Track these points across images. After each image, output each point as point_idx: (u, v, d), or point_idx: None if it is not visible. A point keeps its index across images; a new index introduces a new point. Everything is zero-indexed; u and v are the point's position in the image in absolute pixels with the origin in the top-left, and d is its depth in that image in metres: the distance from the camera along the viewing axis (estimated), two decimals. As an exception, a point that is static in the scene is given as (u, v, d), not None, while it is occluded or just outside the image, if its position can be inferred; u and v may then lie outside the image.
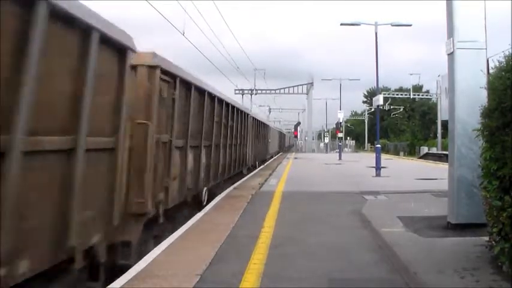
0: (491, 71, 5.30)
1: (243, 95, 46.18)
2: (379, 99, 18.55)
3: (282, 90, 50.63)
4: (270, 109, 64.37)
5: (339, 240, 5.98)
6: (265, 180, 14.52)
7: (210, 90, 9.30)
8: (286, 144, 57.82)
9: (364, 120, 73.38)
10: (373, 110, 52.90)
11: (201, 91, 8.54)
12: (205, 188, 9.22)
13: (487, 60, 6.29)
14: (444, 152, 33.05)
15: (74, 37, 3.60)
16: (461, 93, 6.42)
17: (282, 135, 49.79)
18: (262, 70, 48.83)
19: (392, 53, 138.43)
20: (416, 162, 29.08)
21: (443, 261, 4.83)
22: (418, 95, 52.25)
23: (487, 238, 4.85)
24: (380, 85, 23.79)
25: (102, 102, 4.16)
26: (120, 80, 4.51)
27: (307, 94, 51.62)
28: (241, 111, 14.90)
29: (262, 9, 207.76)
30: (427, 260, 4.95)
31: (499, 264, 4.40)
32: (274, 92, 51.20)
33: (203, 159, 8.90)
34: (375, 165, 16.95)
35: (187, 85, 7.43)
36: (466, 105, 6.19)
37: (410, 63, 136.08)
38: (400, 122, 67.16)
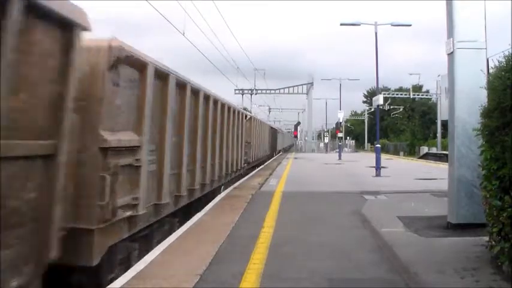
0: (491, 70, 5.29)
1: (243, 95, 46.22)
2: (379, 99, 18.56)
3: (282, 90, 50.61)
4: (270, 109, 64.43)
5: (339, 240, 5.98)
6: (265, 180, 14.52)
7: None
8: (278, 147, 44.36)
9: (364, 120, 73.39)
10: (373, 110, 52.88)
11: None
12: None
13: (487, 60, 6.29)
14: (444, 152, 33.07)
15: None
16: (461, 93, 6.42)
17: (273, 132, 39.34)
18: (262, 70, 48.90)
19: (392, 53, 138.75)
20: (416, 162, 29.07)
21: (443, 261, 4.83)
22: (418, 95, 52.24)
23: (487, 238, 4.84)
24: (380, 85, 23.81)
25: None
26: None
27: (307, 94, 51.57)
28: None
29: (263, 9, 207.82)
30: (427, 260, 4.95)
31: (499, 264, 4.39)
32: (274, 92, 51.21)
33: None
34: (374, 165, 16.96)
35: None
36: (466, 105, 6.19)
37: (410, 63, 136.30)
38: (400, 122, 67.09)
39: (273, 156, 34.21)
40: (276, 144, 39.45)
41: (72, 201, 4.01)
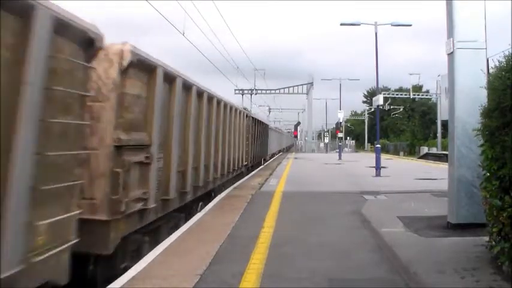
0: (491, 70, 5.29)
1: (243, 95, 46.18)
2: (379, 99, 18.56)
3: (282, 90, 50.60)
4: (269, 109, 64.38)
5: (338, 240, 5.98)
6: (265, 180, 14.52)
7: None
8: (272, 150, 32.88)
9: (364, 120, 73.39)
10: (373, 110, 52.87)
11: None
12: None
13: (487, 60, 6.29)
14: (444, 152, 33.05)
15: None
16: (461, 93, 6.42)
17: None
18: (262, 70, 48.83)
19: (392, 53, 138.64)
20: (416, 162, 29.06)
21: (444, 261, 4.83)
22: (418, 95, 52.22)
23: (487, 238, 4.85)
24: (380, 85, 23.76)
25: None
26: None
27: (307, 94, 51.59)
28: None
29: (263, 9, 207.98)
30: (427, 260, 4.95)
31: (499, 264, 4.39)
32: (274, 92, 51.17)
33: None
34: (374, 165, 16.96)
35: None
36: (466, 105, 6.19)
37: (410, 63, 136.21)
38: (400, 122, 67.14)
39: (259, 166, 21.80)
40: (265, 148, 25.43)
41: None
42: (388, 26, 20.71)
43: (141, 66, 5.59)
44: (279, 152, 41.91)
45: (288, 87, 50.55)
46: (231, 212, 8.16)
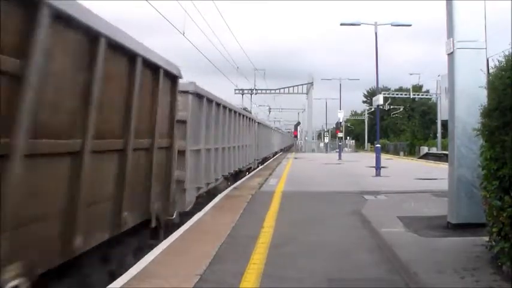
0: (491, 70, 5.29)
1: (243, 94, 46.19)
2: (379, 99, 18.58)
3: (282, 90, 50.64)
4: (270, 109, 64.41)
5: (339, 240, 5.98)
6: (265, 180, 14.52)
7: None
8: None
9: (364, 120, 73.39)
10: (373, 109, 52.85)
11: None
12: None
13: (487, 60, 6.29)
14: (444, 152, 33.03)
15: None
16: (461, 93, 6.42)
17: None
18: (262, 70, 48.85)
19: (392, 53, 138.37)
20: (416, 162, 29.07)
21: (443, 261, 4.83)
22: (418, 94, 52.22)
23: (487, 238, 4.84)
24: (380, 85, 23.77)
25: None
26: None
27: (307, 94, 51.62)
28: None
29: (262, 9, 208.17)
30: (427, 260, 4.95)
31: (499, 264, 4.39)
32: (274, 92, 51.21)
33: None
34: (374, 165, 16.96)
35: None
36: (466, 105, 6.18)
37: (410, 63, 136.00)
38: (400, 122, 67.11)
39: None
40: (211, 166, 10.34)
41: None
42: (388, 26, 20.71)
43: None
44: (262, 163, 25.30)
45: (288, 87, 50.62)
46: (231, 212, 8.17)
